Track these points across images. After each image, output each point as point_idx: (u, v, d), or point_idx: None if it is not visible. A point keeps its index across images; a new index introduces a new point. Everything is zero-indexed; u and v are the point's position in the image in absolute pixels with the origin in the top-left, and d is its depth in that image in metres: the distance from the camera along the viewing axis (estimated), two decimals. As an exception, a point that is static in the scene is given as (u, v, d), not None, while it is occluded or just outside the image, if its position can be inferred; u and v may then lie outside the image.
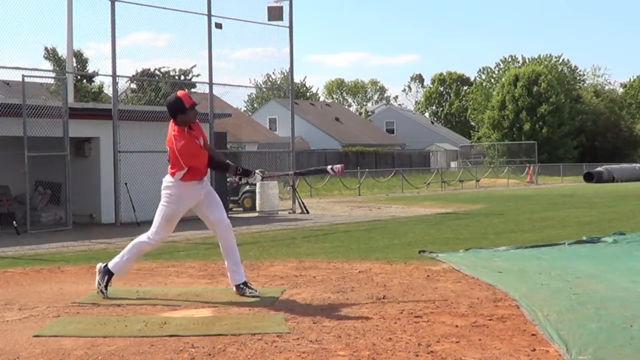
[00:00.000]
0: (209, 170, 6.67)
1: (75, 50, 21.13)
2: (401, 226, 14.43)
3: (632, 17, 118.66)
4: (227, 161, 6.99)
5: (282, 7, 18.31)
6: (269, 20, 18.24)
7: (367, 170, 33.56)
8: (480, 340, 4.96)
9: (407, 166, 45.93)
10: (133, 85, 26.68)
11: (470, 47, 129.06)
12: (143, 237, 6.66)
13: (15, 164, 14.24)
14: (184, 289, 7.16)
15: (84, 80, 30.61)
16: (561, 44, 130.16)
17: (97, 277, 6.63)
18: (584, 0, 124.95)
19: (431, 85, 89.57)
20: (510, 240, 11.34)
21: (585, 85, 74.06)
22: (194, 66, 28.06)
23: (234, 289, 6.66)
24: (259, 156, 29.38)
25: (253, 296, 6.51)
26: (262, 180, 6.98)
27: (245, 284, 6.64)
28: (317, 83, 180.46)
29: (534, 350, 4.71)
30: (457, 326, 5.36)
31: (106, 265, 6.65)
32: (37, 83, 21.67)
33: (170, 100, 6.45)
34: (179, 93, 6.47)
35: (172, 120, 6.47)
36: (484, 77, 74.93)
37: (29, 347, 4.87)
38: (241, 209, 19.63)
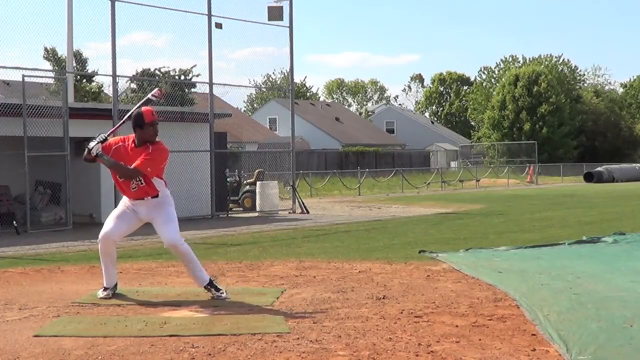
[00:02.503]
0: (146, 196, 6.54)
1: (75, 50, 21.11)
2: (401, 226, 14.43)
3: (632, 17, 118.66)
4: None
5: (282, 7, 18.31)
6: (269, 20, 18.24)
7: (367, 170, 33.54)
8: (480, 340, 4.96)
9: (407, 166, 45.90)
10: (133, 85, 26.67)
11: (471, 47, 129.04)
12: None
13: (15, 164, 14.23)
14: (184, 289, 7.16)
15: (84, 80, 30.58)
16: (561, 44, 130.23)
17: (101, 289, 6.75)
18: (584, 0, 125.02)
19: (431, 85, 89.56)
20: (510, 240, 11.34)
21: (586, 85, 74.02)
22: (194, 66, 28.04)
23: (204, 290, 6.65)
24: (259, 156, 29.39)
25: (218, 298, 6.49)
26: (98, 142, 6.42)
27: (209, 284, 6.61)
28: (317, 83, 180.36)
29: (534, 350, 4.71)
30: (457, 326, 5.36)
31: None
32: (37, 83, 21.67)
33: (134, 113, 6.53)
34: (144, 108, 6.56)
35: None
36: (484, 77, 74.91)
37: (29, 347, 4.87)
38: (241, 208, 19.63)
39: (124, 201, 6.71)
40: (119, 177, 6.59)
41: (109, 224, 6.67)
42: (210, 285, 6.60)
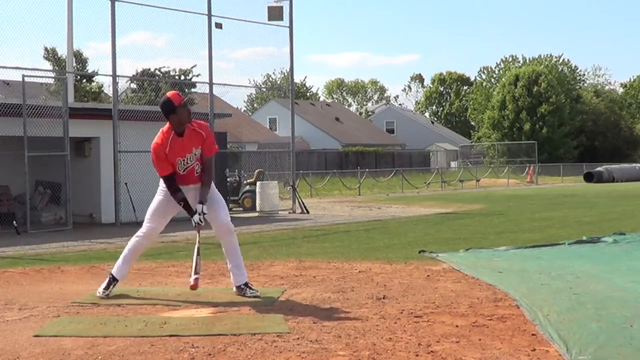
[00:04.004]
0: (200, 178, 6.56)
1: (75, 50, 21.11)
2: (401, 226, 14.43)
3: (632, 17, 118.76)
4: (185, 198, 6.51)
5: (282, 7, 18.32)
6: (269, 20, 18.24)
7: (367, 170, 33.56)
8: (480, 340, 4.96)
9: (407, 166, 45.93)
10: (133, 85, 26.66)
11: (471, 47, 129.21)
12: (135, 235, 6.75)
13: (15, 164, 14.24)
14: (184, 289, 7.15)
15: (84, 80, 30.58)
16: (561, 44, 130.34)
17: (103, 284, 6.69)
18: (584, 0, 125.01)
19: (431, 85, 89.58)
20: (510, 240, 11.34)
21: (586, 85, 74.07)
22: (194, 66, 28.07)
23: (234, 289, 6.66)
24: (259, 156, 29.40)
25: (254, 296, 6.52)
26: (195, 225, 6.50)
27: (246, 284, 6.64)
28: (317, 83, 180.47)
29: (534, 350, 4.71)
30: (457, 326, 5.36)
31: (111, 273, 6.71)
32: (37, 83, 21.66)
33: (161, 101, 6.50)
34: (169, 93, 6.50)
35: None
36: (484, 77, 74.95)
37: (29, 347, 4.87)
38: (241, 208, 19.64)
39: (163, 190, 6.56)
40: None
41: (154, 220, 6.61)
42: (246, 285, 6.62)
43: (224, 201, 6.80)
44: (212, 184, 6.69)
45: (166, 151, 6.37)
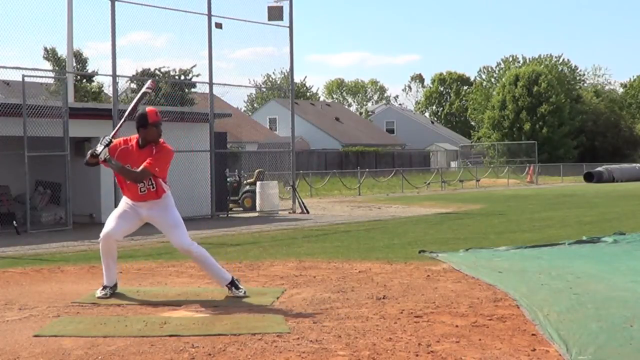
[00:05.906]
0: (145, 198, 6.50)
1: (75, 50, 21.11)
2: (401, 226, 14.42)
3: (632, 17, 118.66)
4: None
5: (282, 7, 18.32)
6: (269, 20, 18.25)
7: (367, 170, 33.55)
8: (480, 340, 4.96)
9: (407, 166, 45.90)
10: (133, 85, 26.67)
11: (471, 47, 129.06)
12: None
13: (15, 164, 14.23)
14: (184, 289, 7.16)
15: (84, 80, 30.58)
16: (561, 44, 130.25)
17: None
18: (584, 0, 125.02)
19: (431, 85, 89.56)
20: (510, 240, 11.34)
21: (586, 85, 74.06)
22: (194, 66, 28.06)
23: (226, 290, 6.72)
24: (259, 156, 29.40)
25: (237, 296, 6.56)
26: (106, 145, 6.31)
27: (231, 283, 6.67)
28: (317, 83, 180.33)
29: (534, 350, 4.71)
30: (457, 326, 5.36)
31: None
32: (37, 83, 21.66)
33: (138, 112, 6.55)
34: (148, 108, 6.55)
35: None
36: (484, 77, 74.95)
37: (29, 347, 4.87)
38: (241, 208, 19.63)
39: (125, 200, 6.67)
40: (128, 181, 6.49)
41: (110, 223, 6.63)
42: (232, 284, 6.64)
43: (179, 222, 6.59)
44: (172, 206, 6.59)
45: (118, 149, 6.45)
